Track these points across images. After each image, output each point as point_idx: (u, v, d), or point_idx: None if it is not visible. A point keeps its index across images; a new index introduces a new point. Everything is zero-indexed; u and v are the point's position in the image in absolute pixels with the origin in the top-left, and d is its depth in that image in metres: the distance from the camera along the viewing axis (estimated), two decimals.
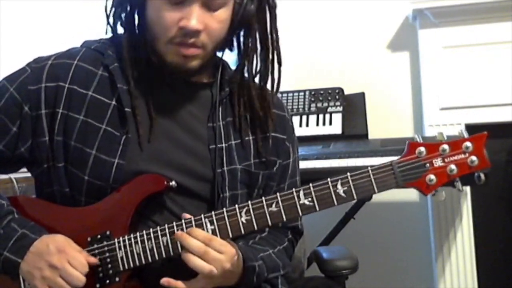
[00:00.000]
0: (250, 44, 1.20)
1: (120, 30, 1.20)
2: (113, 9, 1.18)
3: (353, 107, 2.42)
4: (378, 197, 2.10)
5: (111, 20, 1.18)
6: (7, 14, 2.59)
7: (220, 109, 1.22)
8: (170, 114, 1.19)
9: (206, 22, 1.10)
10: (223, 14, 1.13)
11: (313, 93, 2.48)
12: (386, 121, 2.54)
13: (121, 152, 1.13)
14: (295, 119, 2.40)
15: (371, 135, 2.36)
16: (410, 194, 2.61)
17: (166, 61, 1.14)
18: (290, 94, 2.49)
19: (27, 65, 1.20)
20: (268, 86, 1.24)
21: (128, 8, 1.16)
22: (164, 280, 1.07)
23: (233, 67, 1.27)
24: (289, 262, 1.31)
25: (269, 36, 1.21)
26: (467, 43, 2.45)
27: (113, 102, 1.16)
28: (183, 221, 1.08)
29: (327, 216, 2.29)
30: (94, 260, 1.09)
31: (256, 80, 1.24)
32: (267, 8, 1.20)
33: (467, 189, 2.47)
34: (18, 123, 1.15)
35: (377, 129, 2.42)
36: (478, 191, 2.49)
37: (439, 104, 2.46)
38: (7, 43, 2.50)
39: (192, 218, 1.08)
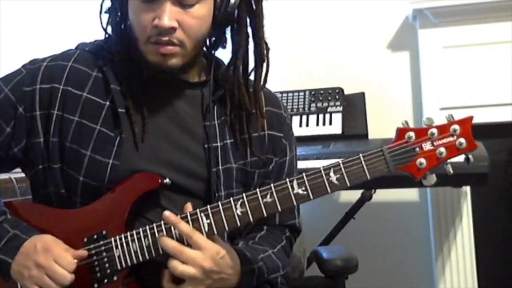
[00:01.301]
0: (240, 39, 1.20)
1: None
2: (107, 14, 1.18)
3: (353, 107, 2.42)
4: (378, 197, 2.12)
5: (104, 23, 1.19)
6: (7, 14, 2.59)
7: (216, 107, 1.22)
8: (164, 113, 1.19)
9: (180, 19, 1.10)
10: (200, 10, 1.12)
11: (313, 93, 2.48)
12: (386, 121, 2.53)
13: (115, 152, 1.14)
14: (295, 119, 2.40)
15: (371, 135, 2.36)
16: (410, 194, 2.61)
17: (147, 61, 1.14)
18: (290, 94, 2.49)
19: (23, 67, 1.21)
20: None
21: (118, 13, 1.17)
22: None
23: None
24: (288, 261, 1.31)
25: (259, 30, 1.20)
26: (467, 43, 2.44)
27: (107, 103, 1.16)
28: (178, 216, 1.08)
29: (327, 216, 2.30)
30: (82, 253, 1.09)
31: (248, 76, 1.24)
32: (252, 1, 1.19)
33: (467, 189, 2.47)
34: (12, 123, 1.16)
35: (377, 129, 2.42)
36: (478, 191, 2.49)
37: (439, 104, 2.46)
38: (7, 43, 2.50)
39: (188, 213, 1.08)
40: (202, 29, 1.14)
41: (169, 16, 1.09)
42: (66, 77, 1.17)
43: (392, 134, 1.07)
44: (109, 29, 1.20)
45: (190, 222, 1.08)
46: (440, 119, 2.75)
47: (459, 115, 2.70)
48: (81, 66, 1.18)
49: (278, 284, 1.27)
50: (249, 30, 1.20)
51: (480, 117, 2.39)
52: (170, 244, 1.06)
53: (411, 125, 1.07)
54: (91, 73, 1.18)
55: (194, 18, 1.12)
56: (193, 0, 1.11)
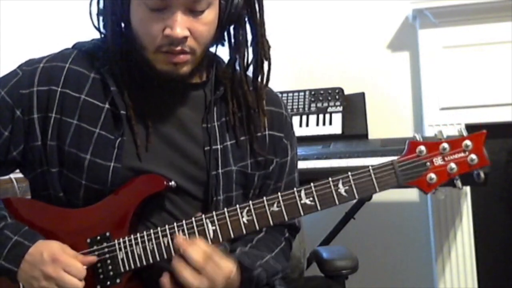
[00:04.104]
0: (241, 38, 1.18)
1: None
2: (99, 18, 1.15)
3: (353, 107, 2.42)
4: (378, 197, 2.10)
5: (96, 23, 1.16)
6: (7, 14, 2.59)
7: (215, 109, 1.20)
8: (164, 115, 1.18)
9: (191, 27, 1.08)
10: (209, 16, 1.10)
11: (313, 93, 2.48)
12: (386, 121, 2.54)
13: (116, 155, 1.12)
14: (295, 119, 2.40)
15: (371, 135, 2.35)
16: (410, 194, 2.61)
17: (156, 69, 1.12)
18: (290, 94, 2.49)
19: (19, 68, 1.18)
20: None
21: (114, 18, 1.13)
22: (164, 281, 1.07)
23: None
24: (287, 264, 1.30)
25: (259, 28, 1.19)
26: (467, 43, 2.44)
27: (106, 105, 1.14)
28: (183, 221, 1.08)
29: (327, 216, 2.29)
30: (91, 258, 1.09)
31: (249, 74, 1.22)
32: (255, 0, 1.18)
33: (467, 189, 2.47)
34: (10, 127, 1.14)
35: (377, 129, 2.41)
36: (478, 191, 2.49)
37: (439, 104, 2.46)
38: (7, 43, 2.50)
39: (193, 219, 1.08)
40: (210, 33, 1.12)
41: (181, 26, 1.05)
42: (64, 79, 1.14)
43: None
44: (103, 29, 1.16)
45: (195, 228, 1.07)
46: (440, 119, 2.75)
47: (459, 115, 2.71)
48: (78, 68, 1.16)
49: (276, 286, 1.26)
50: (249, 27, 1.19)
51: (480, 117, 2.40)
52: (195, 256, 1.04)
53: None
54: (89, 75, 1.16)
55: (205, 24, 1.09)
56: (204, 7, 1.08)
